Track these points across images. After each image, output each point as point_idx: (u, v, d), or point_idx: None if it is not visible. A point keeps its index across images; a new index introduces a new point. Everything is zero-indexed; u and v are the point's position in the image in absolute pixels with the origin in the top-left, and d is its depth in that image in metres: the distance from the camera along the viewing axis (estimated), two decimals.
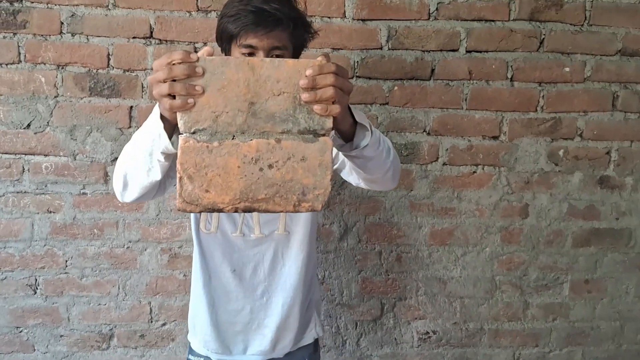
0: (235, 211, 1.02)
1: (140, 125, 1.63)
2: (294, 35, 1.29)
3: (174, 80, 0.96)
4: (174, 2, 1.87)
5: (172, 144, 1.06)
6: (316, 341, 1.66)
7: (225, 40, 1.29)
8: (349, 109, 1.10)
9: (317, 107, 0.99)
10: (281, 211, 1.04)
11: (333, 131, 1.07)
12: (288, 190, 1.02)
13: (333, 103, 1.00)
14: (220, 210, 1.02)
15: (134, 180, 1.17)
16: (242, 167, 1.00)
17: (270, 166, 1.01)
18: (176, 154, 1.01)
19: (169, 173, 1.17)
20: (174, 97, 0.97)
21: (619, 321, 2.24)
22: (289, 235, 1.47)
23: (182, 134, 0.99)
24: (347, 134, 1.13)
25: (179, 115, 0.98)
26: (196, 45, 1.89)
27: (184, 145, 0.99)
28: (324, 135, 1.02)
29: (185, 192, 1.00)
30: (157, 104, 1.04)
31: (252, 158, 1.00)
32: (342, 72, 1.02)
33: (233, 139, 1.00)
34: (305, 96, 0.98)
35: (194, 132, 0.99)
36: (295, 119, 1.00)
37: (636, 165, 2.10)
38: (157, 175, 1.13)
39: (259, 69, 0.98)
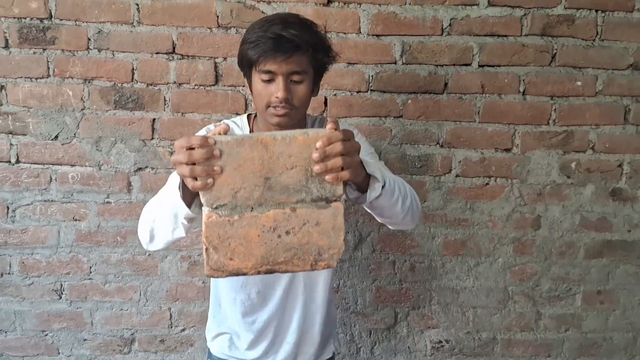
0: (258, 273, 1.11)
1: (162, 138, 1.71)
2: (314, 59, 1.35)
3: (194, 164, 1.04)
4: (195, 19, 1.95)
5: (194, 206, 1.17)
6: (334, 355, 1.71)
7: (246, 66, 1.36)
8: (361, 162, 1.16)
9: (328, 177, 1.06)
10: (300, 271, 1.13)
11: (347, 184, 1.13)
12: (305, 252, 1.10)
13: (342, 169, 1.07)
14: (244, 274, 1.11)
15: (160, 236, 1.26)
16: (262, 236, 1.09)
17: (287, 232, 1.09)
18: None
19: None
20: (195, 177, 1.05)
21: (632, 332, 2.26)
22: None
23: (206, 207, 1.08)
24: (361, 185, 1.19)
25: (201, 192, 1.07)
26: (216, 60, 1.97)
27: (207, 221, 1.08)
28: (335, 200, 1.09)
29: (211, 260, 1.10)
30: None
31: (270, 227, 1.09)
32: (348, 136, 1.07)
33: (252, 211, 1.08)
34: (317, 168, 1.05)
35: (216, 208, 1.08)
36: (308, 189, 1.08)
37: None
38: (181, 234, 1.23)
39: (272, 146, 1.05)
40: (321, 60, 1.39)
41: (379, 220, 1.40)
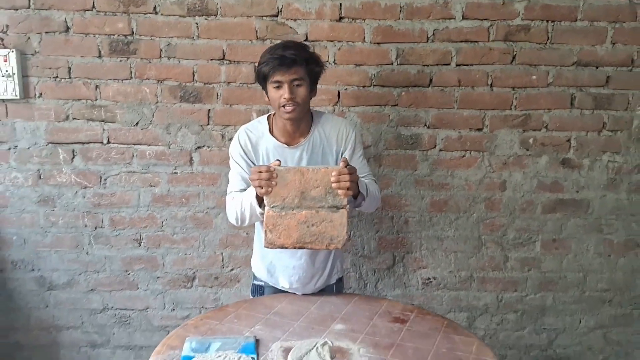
0: (294, 248, 1.84)
1: (215, 124, 2.36)
2: (308, 69, 1.96)
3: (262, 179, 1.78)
4: (239, 34, 2.56)
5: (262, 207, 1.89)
6: (340, 279, 2.32)
7: (261, 80, 2.01)
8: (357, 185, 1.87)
9: (340, 192, 1.79)
10: (319, 248, 1.85)
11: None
12: (323, 238, 1.83)
13: (348, 189, 1.78)
14: (286, 247, 1.84)
15: (246, 221, 2.02)
16: (298, 226, 1.81)
17: (312, 225, 1.81)
18: None
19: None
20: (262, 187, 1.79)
21: (582, 272, 2.84)
22: None
23: (267, 206, 1.80)
24: (355, 196, 1.90)
25: (264, 197, 1.80)
26: (256, 64, 2.57)
27: (267, 214, 1.81)
28: (342, 207, 1.80)
29: (268, 238, 1.83)
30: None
31: (303, 221, 1.81)
32: (352, 170, 1.80)
33: (292, 210, 1.80)
34: (334, 186, 1.78)
35: (272, 207, 1.80)
36: (326, 200, 1.79)
37: (591, 150, 2.70)
38: (259, 219, 1.98)
39: (306, 174, 1.79)
40: (313, 69, 1.99)
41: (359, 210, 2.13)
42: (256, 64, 2.51)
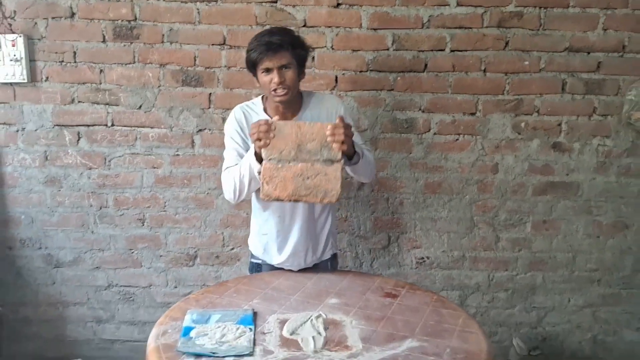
0: (289, 201, 1.91)
1: (216, 107, 2.43)
2: (294, 53, 2.01)
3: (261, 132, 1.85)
4: (240, 19, 2.64)
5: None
6: (334, 255, 2.41)
7: (251, 67, 2.06)
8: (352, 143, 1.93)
9: (335, 146, 1.84)
10: (313, 202, 1.91)
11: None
12: (318, 191, 1.88)
13: (342, 143, 1.83)
14: (282, 200, 1.90)
15: (244, 190, 2.04)
16: (294, 178, 1.87)
17: (307, 178, 1.86)
18: None
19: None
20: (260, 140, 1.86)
21: (571, 253, 2.93)
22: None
23: (264, 159, 1.86)
24: (350, 155, 1.95)
25: (262, 150, 1.85)
26: None
27: (264, 166, 1.87)
28: (337, 161, 1.85)
29: (264, 189, 1.88)
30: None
31: (299, 174, 1.86)
32: (347, 126, 1.85)
33: (289, 163, 1.86)
34: (329, 139, 1.83)
35: (270, 159, 1.85)
36: (321, 154, 1.85)
37: (582, 134, 2.78)
38: (257, 184, 1.97)
39: (303, 127, 1.85)
40: (300, 53, 2.04)
41: (354, 177, 2.18)
42: None
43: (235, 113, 2.16)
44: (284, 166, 1.85)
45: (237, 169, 2.04)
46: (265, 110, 2.16)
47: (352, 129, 2.12)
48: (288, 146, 1.84)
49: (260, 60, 1.99)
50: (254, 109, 2.17)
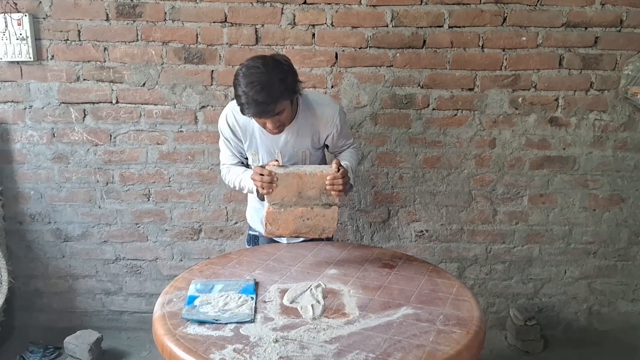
0: (291, 237, 2.04)
1: (218, 84, 2.49)
2: (286, 95, 1.88)
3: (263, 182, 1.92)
4: None
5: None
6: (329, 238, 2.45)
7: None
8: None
9: (334, 194, 1.94)
10: (312, 238, 2.03)
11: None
12: (316, 229, 2.01)
13: (340, 191, 1.93)
14: (284, 237, 2.07)
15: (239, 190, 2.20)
16: (294, 220, 1.99)
17: (307, 219, 1.99)
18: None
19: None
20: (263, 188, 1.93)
21: (568, 226, 2.99)
22: None
23: (267, 204, 1.96)
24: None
25: (265, 196, 1.95)
26: (256, 26, 2.69)
27: (268, 211, 1.97)
28: (333, 205, 1.96)
29: (268, 229, 2.00)
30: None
31: (299, 216, 1.97)
32: (344, 174, 1.92)
33: (290, 207, 1.96)
34: (328, 188, 1.92)
35: (273, 204, 1.95)
36: (320, 199, 1.96)
37: (578, 109, 2.82)
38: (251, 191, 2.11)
39: (303, 177, 1.93)
40: (291, 89, 1.90)
41: None
42: (257, 26, 2.65)
43: (228, 119, 2.13)
44: (285, 210, 1.97)
45: (237, 180, 2.16)
46: None
47: (344, 133, 2.20)
48: (290, 194, 1.94)
49: (252, 117, 1.94)
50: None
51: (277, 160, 1.96)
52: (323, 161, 2.33)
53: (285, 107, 1.93)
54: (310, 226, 1.98)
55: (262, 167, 1.93)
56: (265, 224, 1.99)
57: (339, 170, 1.92)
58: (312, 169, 1.96)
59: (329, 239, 2.05)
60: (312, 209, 1.96)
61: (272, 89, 1.84)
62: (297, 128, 2.11)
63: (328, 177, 1.92)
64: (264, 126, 2.00)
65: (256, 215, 2.36)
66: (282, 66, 1.90)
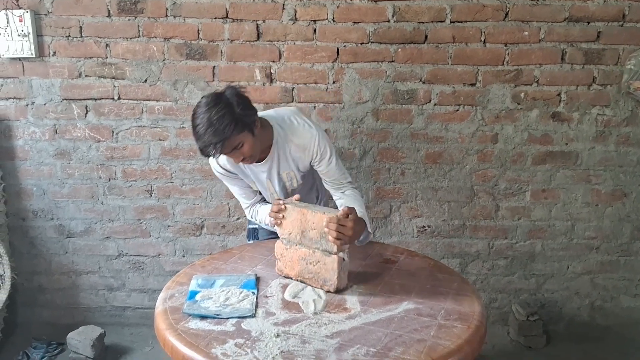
0: (297, 280, 1.86)
1: (220, 80, 2.54)
2: (241, 129, 1.82)
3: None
4: None
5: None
6: None
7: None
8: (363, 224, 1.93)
9: (330, 238, 1.75)
10: (315, 287, 1.81)
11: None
12: (318, 277, 1.83)
13: (336, 239, 1.74)
14: (291, 278, 1.88)
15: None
16: (298, 261, 1.85)
17: (310, 263, 1.83)
18: None
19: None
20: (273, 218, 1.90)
21: (570, 221, 2.99)
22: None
23: (279, 235, 1.90)
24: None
25: (277, 228, 1.90)
26: (258, 22, 2.69)
27: (277, 244, 1.91)
28: (333, 254, 1.77)
29: (278, 265, 1.91)
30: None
31: (303, 258, 1.85)
32: (342, 222, 1.74)
33: (295, 246, 1.87)
34: (326, 231, 1.76)
35: (282, 238, 1.89)
36: (320, 243, 1.80)
37: (581, 104, 2.81)
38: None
39: (306, 215, 1.80)
40: (246, 121, 1.83)
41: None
42: (258, 22, 2.65)
43: (217, 163, 2.11)
44: (291, 247, 1.88)
45: (263, 217, 2.16)
46: None
47: (331, 162, 2.08)
48: (295, 230, 1.86)
49: (209, 156, 1.89)
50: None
51: (298, 195, 1.92)
52: (315, 188, 2.31)
53: (243, 140, 1.85)
54: (312, 272, 1.81)
55: (279, 199, 1.90)
56: (277, 259, 1.92)
57: (347, 216, 1.76)
58: (317, 208, 1.82)
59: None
60: (314, 253, 1.80)
61: (217, 127, 1.78)
62: (277, 159, 2.06)
63: (325, 220, 1.75)
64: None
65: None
66: (228, 101, 1.83)
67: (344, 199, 2.12)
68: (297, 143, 2.04)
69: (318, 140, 2.03)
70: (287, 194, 2.17)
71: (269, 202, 2.23)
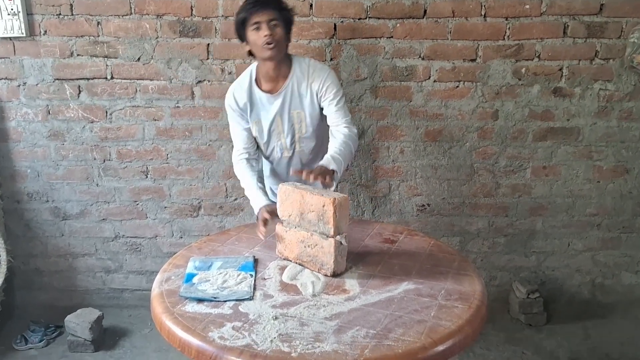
0: (296, 263, 1.84)
1: (215, 58, 2.47)
2: (281, 14, 2.07)
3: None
4: None
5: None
6: None
7: (240, 28, 2.08)
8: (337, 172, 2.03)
9: (320, 180, 1.90)
10: (313, 270, 1.79)
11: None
12: (316, 261, 1.79)
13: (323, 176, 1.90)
14: (290, 261, 1.85)
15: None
16: (297, 243, 1.82)
17: (308, 246, 1.80)
18: None
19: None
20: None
21: (571, 198, 2.96)
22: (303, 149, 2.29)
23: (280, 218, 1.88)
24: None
25: (278, 210, 1.89)
26: None
27: (278, 225, 1.88)
28: (330, 237, 1.73)
29: (278, 247, 1.89)
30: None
31: (301, 240, 1.81)
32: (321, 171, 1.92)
33: (294, 228, 1.83)
34: (317, 180, 1.89)
35: (283, 220, 1.87)
36: (318, 226, 1.76)
37: (583, 79, 2.76)
38: None
39: (305, 197, 1.78)
40: (286, 15, 2.09)
41: None
42: None
43: (234, 92, 2.21)
44: (290, 230, 1.85)
45: (245, 185, 2.24)
46: (256, 81, 2.18)
47: (339, 101, 2.18)
48: (294, 212, 1.83)
49: (249, 16, 2.03)
50: (246, 85, 2.19)
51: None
52: (324, 130, 2.29)
53: (280, 22, 2.05)
54: (311, 256, 1.80)
55: (270, 212, 1.98)
56: (277, 240, 1.91)
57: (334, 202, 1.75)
58: (316, 191, 1.80)
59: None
60: (312, 236, 1.79)
61: None
62: (290, 90, 2.16)
63: (311, 175, 1.91)
64: (259, 40, 2.03)
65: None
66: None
67: (333, 141, 2.17)
68: (312, 74, 2.16)
69: (331, 76, 2.18)
70: (293, 140, 2.25)
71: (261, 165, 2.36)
